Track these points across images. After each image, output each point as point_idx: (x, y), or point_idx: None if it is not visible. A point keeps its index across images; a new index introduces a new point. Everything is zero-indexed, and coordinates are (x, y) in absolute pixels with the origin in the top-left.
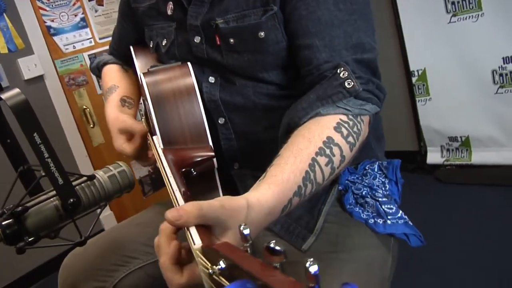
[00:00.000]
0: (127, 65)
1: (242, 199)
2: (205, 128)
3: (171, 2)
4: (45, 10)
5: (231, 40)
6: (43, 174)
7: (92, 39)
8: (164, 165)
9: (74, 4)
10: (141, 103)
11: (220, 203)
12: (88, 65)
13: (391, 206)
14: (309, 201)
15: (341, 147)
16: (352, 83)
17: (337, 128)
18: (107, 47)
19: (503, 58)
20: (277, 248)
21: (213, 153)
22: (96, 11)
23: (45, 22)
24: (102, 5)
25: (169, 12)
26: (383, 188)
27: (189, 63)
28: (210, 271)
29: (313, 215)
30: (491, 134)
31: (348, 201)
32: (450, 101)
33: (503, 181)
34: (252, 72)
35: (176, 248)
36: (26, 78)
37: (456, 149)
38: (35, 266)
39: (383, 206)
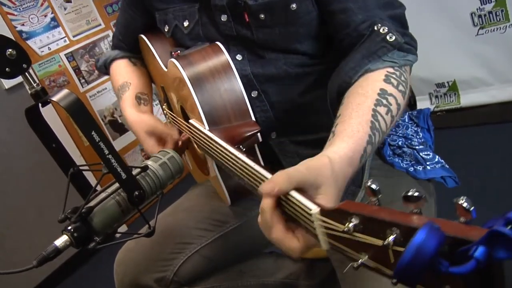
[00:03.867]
0: (135, 56)
1: (322, 156)
2: (246, 104)
3: None
4: (14, 14)
5: (261, 16)
6: (105, 171)
7: (66, 38)
8: (220, 143)
9: (42, 5)
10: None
11: (305, 166)
12: (66, 65)
13: (428, 153)
14: None
15: (395, 96)
16: (394, 37)
17: (387, 80)
18: (83, 44)
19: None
20: (416, 194)
21: (258, 128)
22: (65, 8)
23: (16, 27)
24: (70, 2)
25: None
26: (417, 137)
27: (218, 42)
28: (345, 229)
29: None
30: (477, 75)
31: (386, 153)
32: (433, 49)
33: (493, 119)
34: (285, 44)
35: (281, 219)
36: (6, 87)
37: (445, 94)
38: (47, 274)
39: (420, 154)
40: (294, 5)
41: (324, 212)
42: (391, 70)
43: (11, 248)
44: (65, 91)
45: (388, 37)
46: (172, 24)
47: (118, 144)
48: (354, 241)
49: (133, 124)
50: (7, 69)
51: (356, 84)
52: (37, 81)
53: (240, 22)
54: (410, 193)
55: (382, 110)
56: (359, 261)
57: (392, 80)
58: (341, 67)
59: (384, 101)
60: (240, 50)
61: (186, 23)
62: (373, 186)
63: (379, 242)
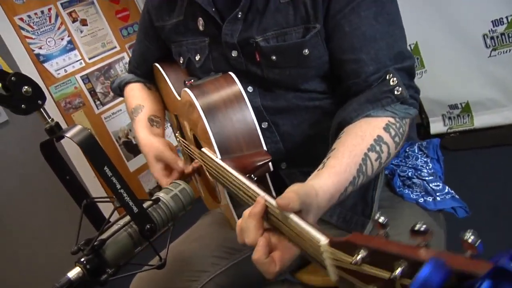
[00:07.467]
0: (149, 82)
1: (311, 187)
2: (258, 134)
3: (201, 18)
4: (31, 38)
5: (273, 57)
6: (118, 205)
7: (82, 60)
8: (232, 172)
9: (59, 28)
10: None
11: (304, 191)
12: (82, 87)
13: (438, 183)
14: (359, 189)
15: (389, 145)
16: (401, 90)
17: (386, 129)
18: (98, 66)
19: (492, 21)
20: (422, 228)
21: (270, 157)
22: (81, 31)
23: (33, 50)
24: (87, 25)
25: (200, 28)
26: (427, 167)
27: (231, 73)
28: (353, 261)
29: (367, 202)
30: (490, 96)
31: (396, 184)
32: (446, 71)
33: (507, 141)
34: (294, 84)
35: (267, 242)
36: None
37: (458, 116)
38: None
39: (430, 185)
40: (306, 50)
41: (332, 243)
42: (392, 120)
43: (26, 269)
44: (78, 127)
45: (395, 90)
46: (186, 56)
47: (132, 165)
48: (363, 273)
49: (143, 146)
50: (23, 105)
51: (357, 124)
52: (52, 117)
53: (251, 59)
54: (417, 227)
55: (373, 155)
56: None
57: (391, 130)
58: (346, 106)
59: (377, 148)
60: (251, 83)
61: (197, 57)
62: (381, 220)
63: (386, 275)
